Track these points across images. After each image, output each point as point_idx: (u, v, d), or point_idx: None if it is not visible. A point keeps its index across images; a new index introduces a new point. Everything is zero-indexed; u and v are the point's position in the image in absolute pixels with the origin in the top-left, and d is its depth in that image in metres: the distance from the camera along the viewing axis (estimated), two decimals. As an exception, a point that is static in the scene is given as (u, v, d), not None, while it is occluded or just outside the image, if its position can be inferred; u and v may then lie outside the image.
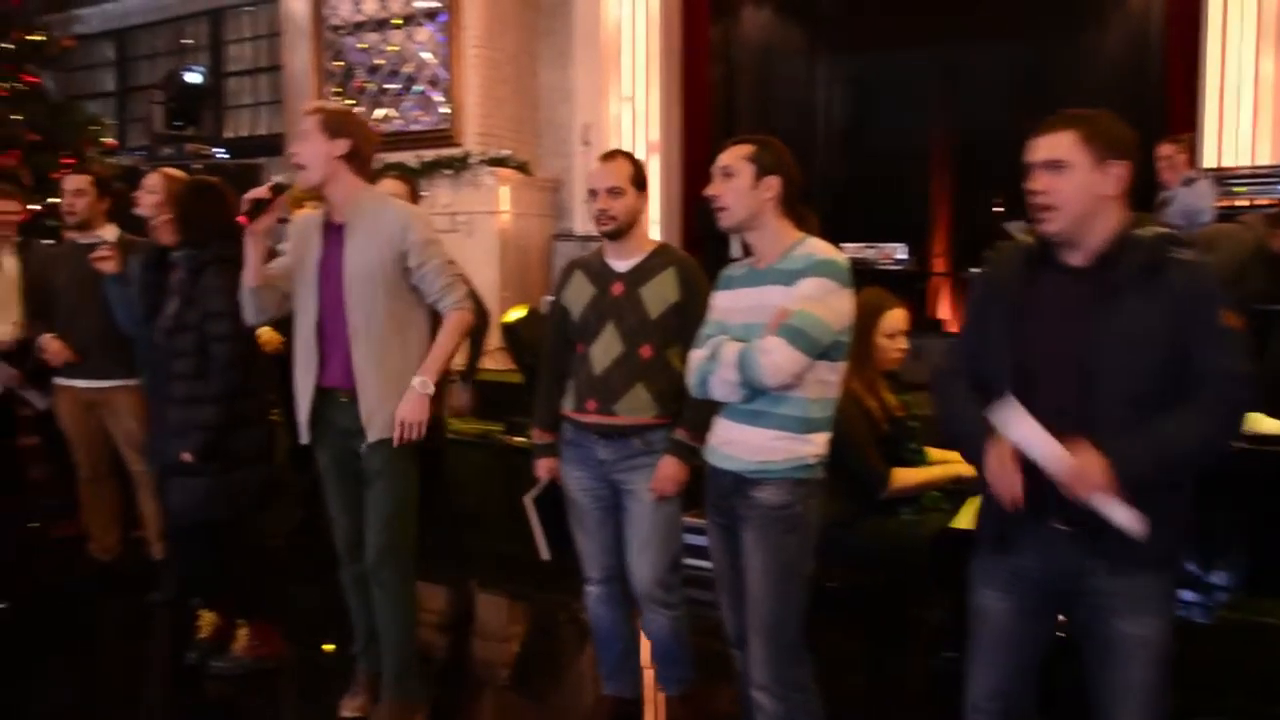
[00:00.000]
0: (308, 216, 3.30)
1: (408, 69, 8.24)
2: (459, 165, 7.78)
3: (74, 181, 4.78)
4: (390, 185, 4.31)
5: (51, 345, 4.71)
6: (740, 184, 2.66)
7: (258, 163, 8.30)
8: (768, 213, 2.69)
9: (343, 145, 3.13)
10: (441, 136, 8.04)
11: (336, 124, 3.14)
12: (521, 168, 8.00)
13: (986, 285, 2.35)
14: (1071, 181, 2.17)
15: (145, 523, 4.93)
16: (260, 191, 3.15)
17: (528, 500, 3.31)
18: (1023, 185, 2.25)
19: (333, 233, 3.20)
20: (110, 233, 4.80)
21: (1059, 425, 2.11)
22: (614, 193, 3.11)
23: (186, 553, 4.06)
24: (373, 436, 3.18)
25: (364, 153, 3.21)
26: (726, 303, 2.75)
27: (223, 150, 8.58)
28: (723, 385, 2.62)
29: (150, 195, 4.41)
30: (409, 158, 7.90)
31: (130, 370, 4.65)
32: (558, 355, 3.30)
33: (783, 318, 2.54)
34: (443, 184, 7.86)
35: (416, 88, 8.21)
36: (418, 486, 3.28)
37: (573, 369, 3.23)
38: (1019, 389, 2.18)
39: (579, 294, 3.22)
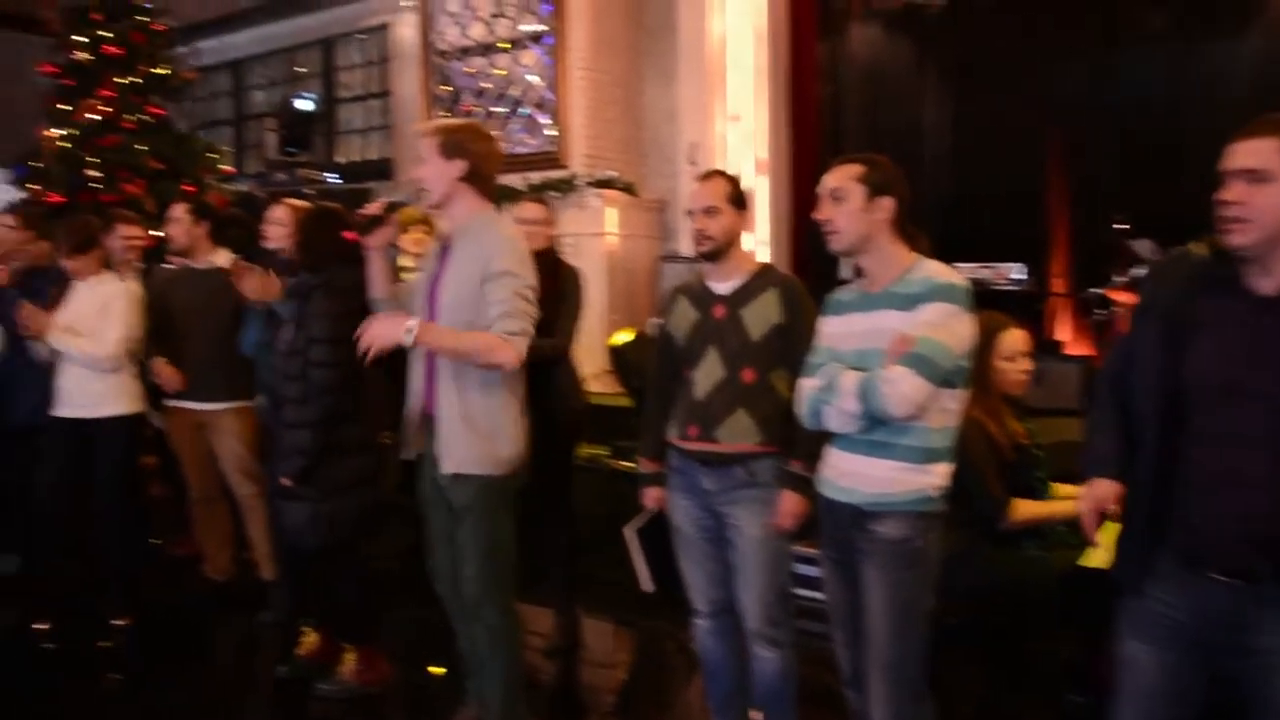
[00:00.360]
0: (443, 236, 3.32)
1: (514, 92, 8.30)
2: (565, 188, 7.81)
3: (171, 211, 4.93)
4: (530, 210, 4.31)
5: (163, 370, 4.79)
6: (851, 206, 2.61)
7: (368, 187, 8.45)
8: (881, 235, 2.62)
9: (460, 166, 3.12)
10: (548, 159, 8.07)
11: (454, 144, 3.14)
12: (628, 189, 7.99)
13: (1147, 296, 2.20)
14: (1272, 194, 1.98)
15: (254, 545, 5.01)
16: (373, 208, 3.18)
17: (629, 531, 3.26)
18: (1155, 197, 2.11)
19: (446, 253, 3.20)
20: (222, 258, 4.89)
21: (1230, 452, 1.96)
22: (710, 212, 3.08)
23: (295, 575, 4.09)
24: (447, 469, 3.15)
25: (484, 171, 3.18)
26: (837, 328, 2.68)
27: (334, 175, 8.77)
28: (840, 416, 2.55)
29: (278, 228, 4.49)
30: (516, 180, 7.94)
31: (239, 392, 4.72)
32: (663, 381, 3.25)
33: (905, 345, 2.46)
34: (551, 206, 7.86)
35: (523, 110, 8.26)
36: (511, 522, 3.23)
37: (677, 395, 3.18)
38: (1169, 414, 2.04)
39: (682, 318, 3.18)
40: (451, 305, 3.11)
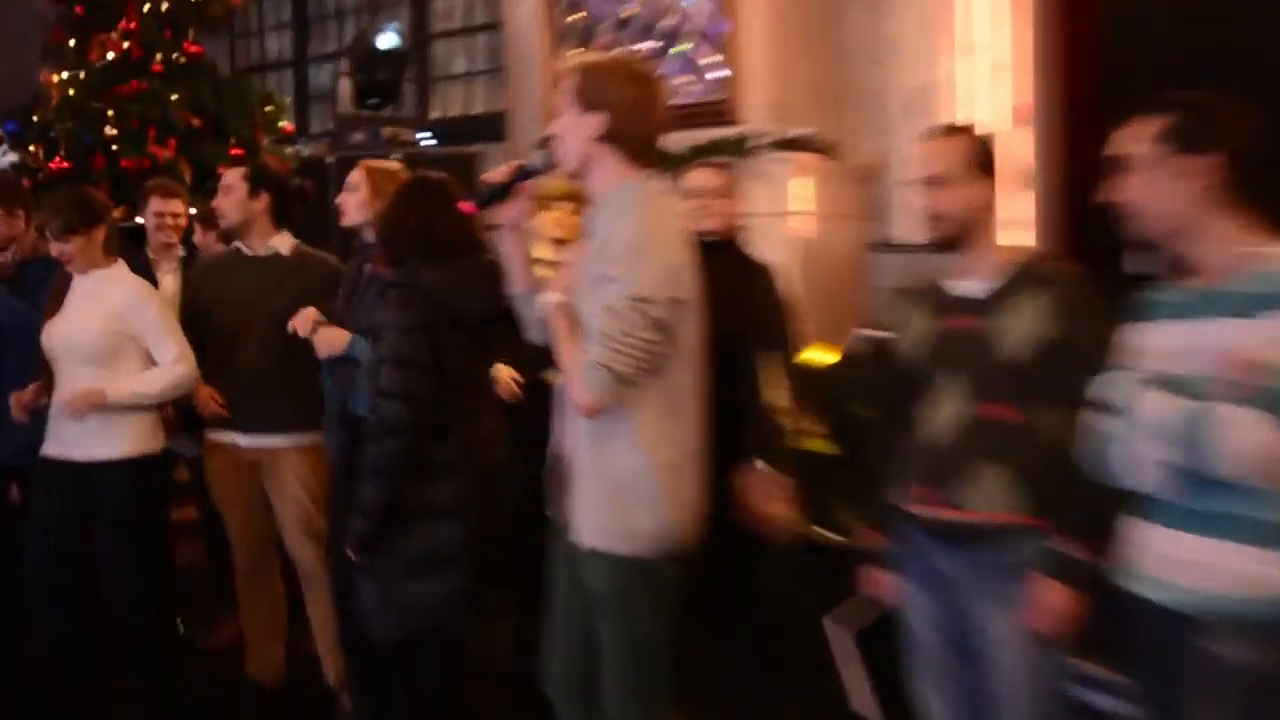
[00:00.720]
0: None
1: (668, 21, 8.38)
2: (738, 149, 7.79)
3: (224, 177, 5.07)
4: (702, 178, 4.37)
5: (201, 391, 4.88)
6: (1157, 176, 2.52)
7: (472, 150, 8.60)
8: (1205, 211, 2.58)
9: (599, 121, 3.15)
10: (714, 111, 8.11)
11: (593, 89, 3.16)
12: (825, 151, 7.97)
13: None
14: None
15: (316, 633, 5.05)
16: (499, 173, 3.22)
17: (840, 628, 3.21)
18: None
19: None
20: (284, 242, 5.02)
21: None
22: (943, 183, 3.11)
23: (364, 681, 4.13)
24: (582, 540, 3.19)
25: (633, 127, 3.18)
26: (1158, 341, 2.64)
27: (428, 134, 8.94)
28: (1148, 468, 2.48)
29: (353, 194, 4.61)
30: (670, 139, 7.93)
31: (306, 422, 4.82)
32: (888, 421, 3.22)
33: (1252, 373, 2.36)
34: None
35: (680, 46, 8.32)
36: (663, 620, 3.21)
37: (903, 439, 3.16)
38: None
39: (909, 332, 3.19)
40: (580, 305, 3.18)
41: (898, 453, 3.20)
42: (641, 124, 3.18)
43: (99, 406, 4.63)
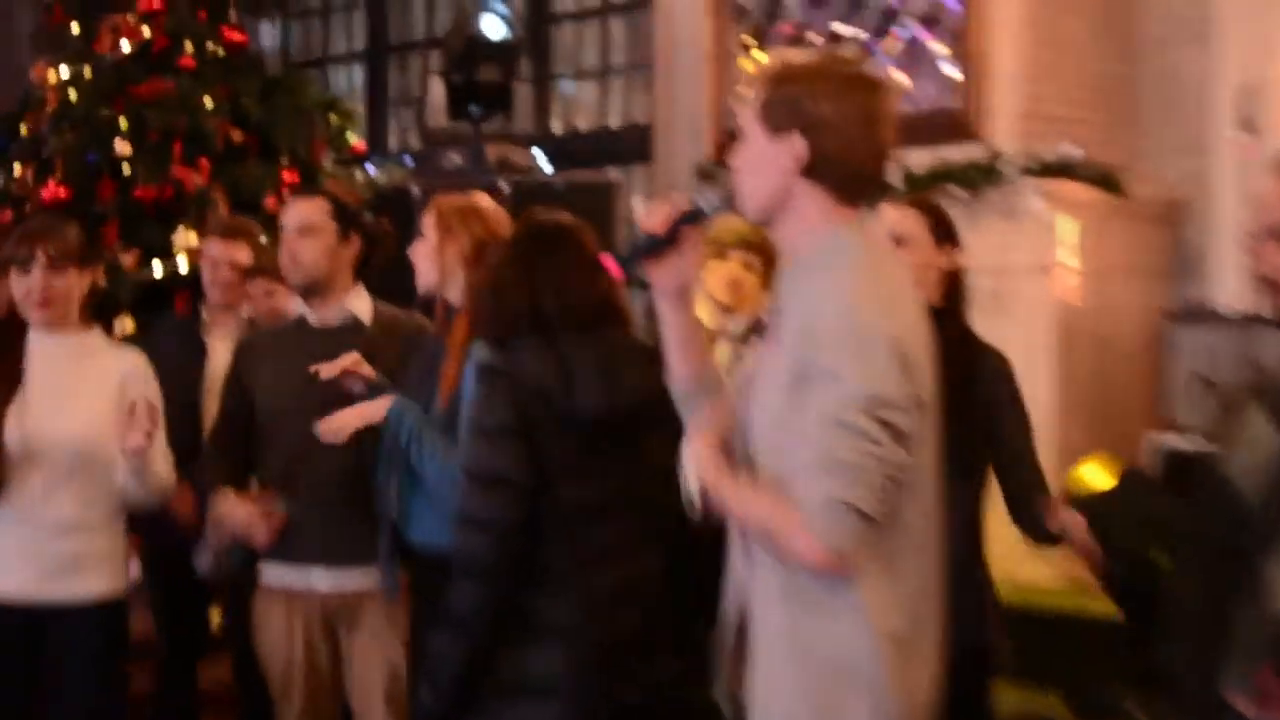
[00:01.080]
0: None
1: (885, 2, 8.41)
2: (983, 179, 7.81)
3: (301, 211, 5.04)
4: (896, 219, 4.40)
5: (235, 511, 4.92)
6: None
7: (605, 179, 8.66)
8: None
9: (795, 148, 3.12)
10: (948, 123, 8.14)
11: (792, 103, 3.13)
12: (1104, 182, 7.93)
13: None
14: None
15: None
16: (657, 217, 3.19)
17: None
18: None
19: (774, 313, 3.29)
20: (361, 303, 5.05)
21: None
22: None
23: None
24: None
25: (846, 157, 3.11)
26: None
27: (545, 155, 8.96)
28: None
29: (422, 245, 4.64)
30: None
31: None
32: (1211, 577, 3.15)
33: None
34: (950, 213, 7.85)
35: (899, 31, 8.36)
36: None
37: (1238, 606, 3.07)
38: None
39: (1245, 448, 3.10)
40: (762, 419, 3.16)
41: (1227, 625, 3.10)
42: (856, 151, 3.12)
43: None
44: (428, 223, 4.65)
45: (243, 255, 5.94)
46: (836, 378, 2.93)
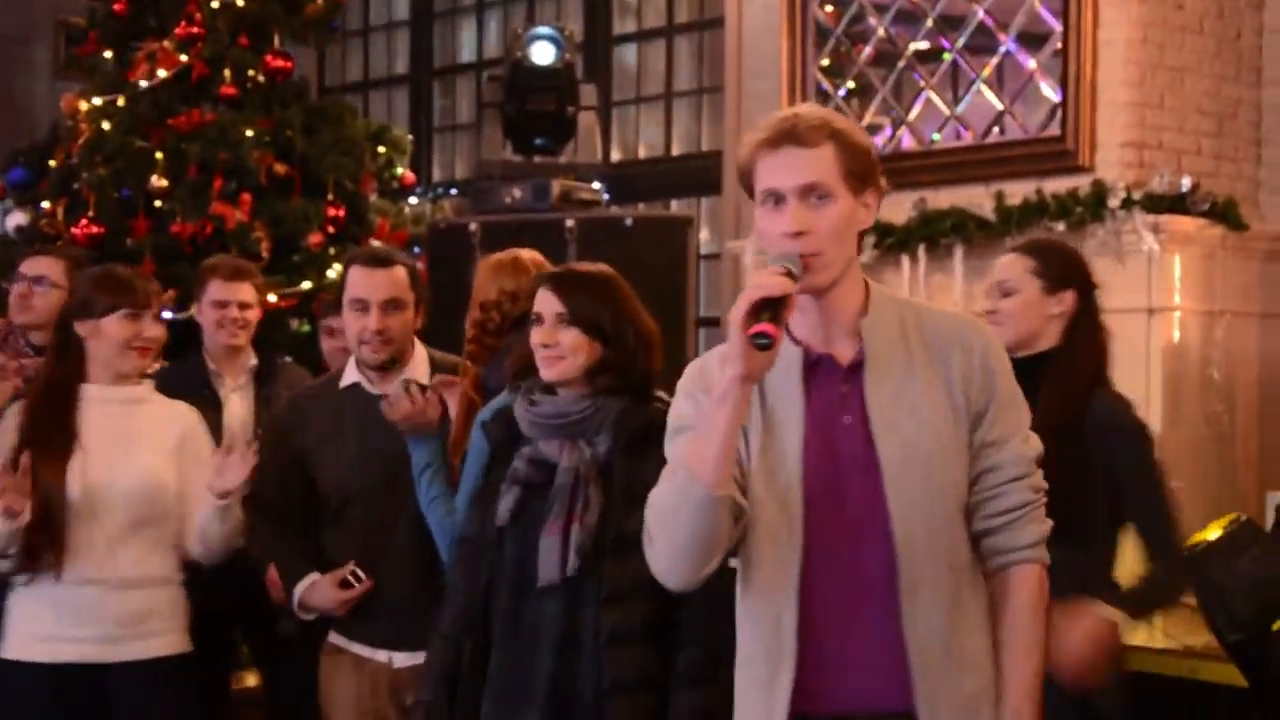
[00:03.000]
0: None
1: (972, 11, 8.30)
2: (1086, 212, 7.69)
3: (388, 284, 4.92)
4: (1002, 266, 4.51)
5: (327, 596, 4.92)
6: None
7: (678, 216, 8.70)
8: None
9: (869, 203, 3.30)
10: (1047, 152, 8.06)
11: (855, 156, 3.25)
12: (1221, 216, 7.81)
13: None
14: None
15: None
16: (772, 283, 3.01)
17: None
18: None
19: (825, 373, 3.29)
20: (421, 364, 4.96)
21: None
22: None
23: None
24: None
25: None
26: None
27: (604, 186, 8.72)
28: None
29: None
30: (978, 195, 7.96)
31: None
32: None
33: None
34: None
35: (1001, 48, 8.24)
36: None
37: None
38: None
39: None
40: (912, 479, 3.21)
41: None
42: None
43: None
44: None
45: (249, 296, 5.92)
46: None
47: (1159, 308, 7.59)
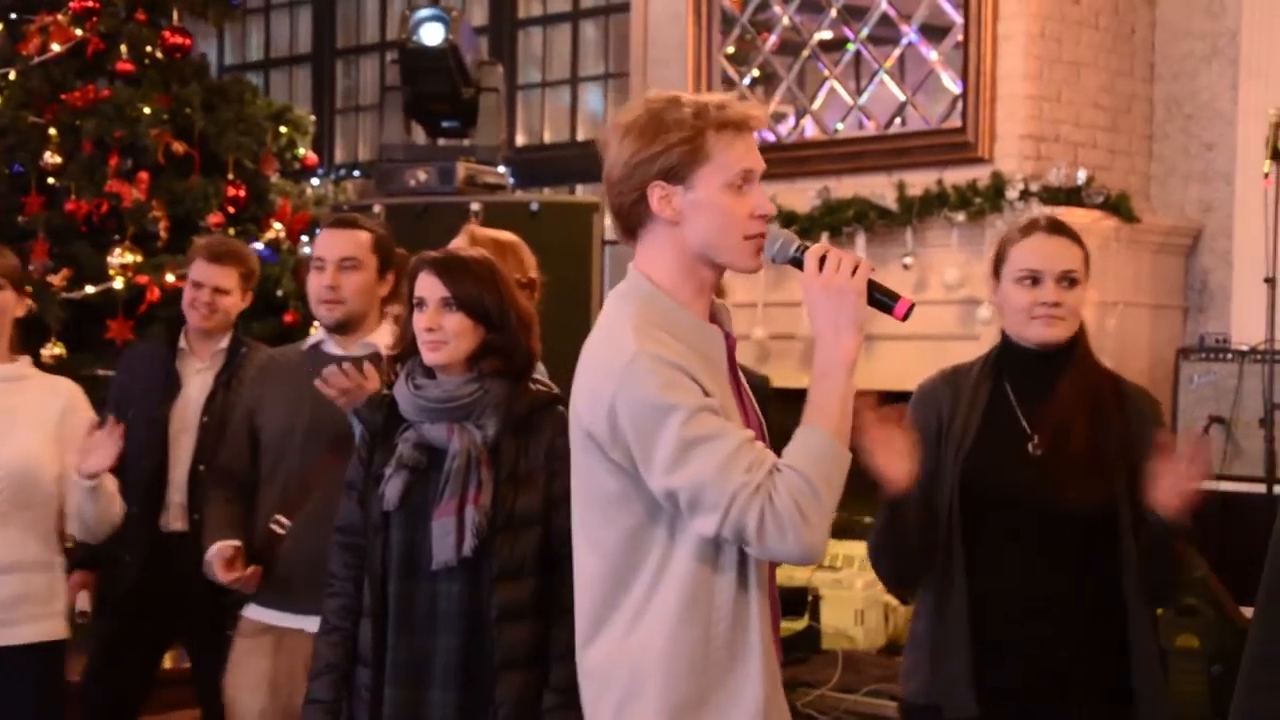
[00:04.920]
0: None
1: (881, 8, 8.35)
2: (986, 204, 7.76)
3: (343, 243, 4.97)
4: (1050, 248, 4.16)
5: (221, 553, 4.84)
6: None
7: (585, 201, 8.56)
8: None
9: None
10: (946, 144, 8.15)
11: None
12: (1114, 208, 7.91)
13: None
14: None
15: None
16: (864, 264, 3.19)
17: None
18: None
19: (730, 358, 3.39)
20: (384, 334, 4.94)
21: None
22: None
23: None
24: None
25: None
26: None
27: (510, 173, 8.74)
28: None
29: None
30: (880, 184, 8.00)
31: None
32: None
33: None
34: (946, 241, 7.91)
35: (904, 39, 8.30)
36: None
37: None
38: None
39: None
40: None
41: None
42: None
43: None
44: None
45: (229, 282, 5.80)
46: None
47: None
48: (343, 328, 5.01)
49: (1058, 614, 3.99)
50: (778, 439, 3.31)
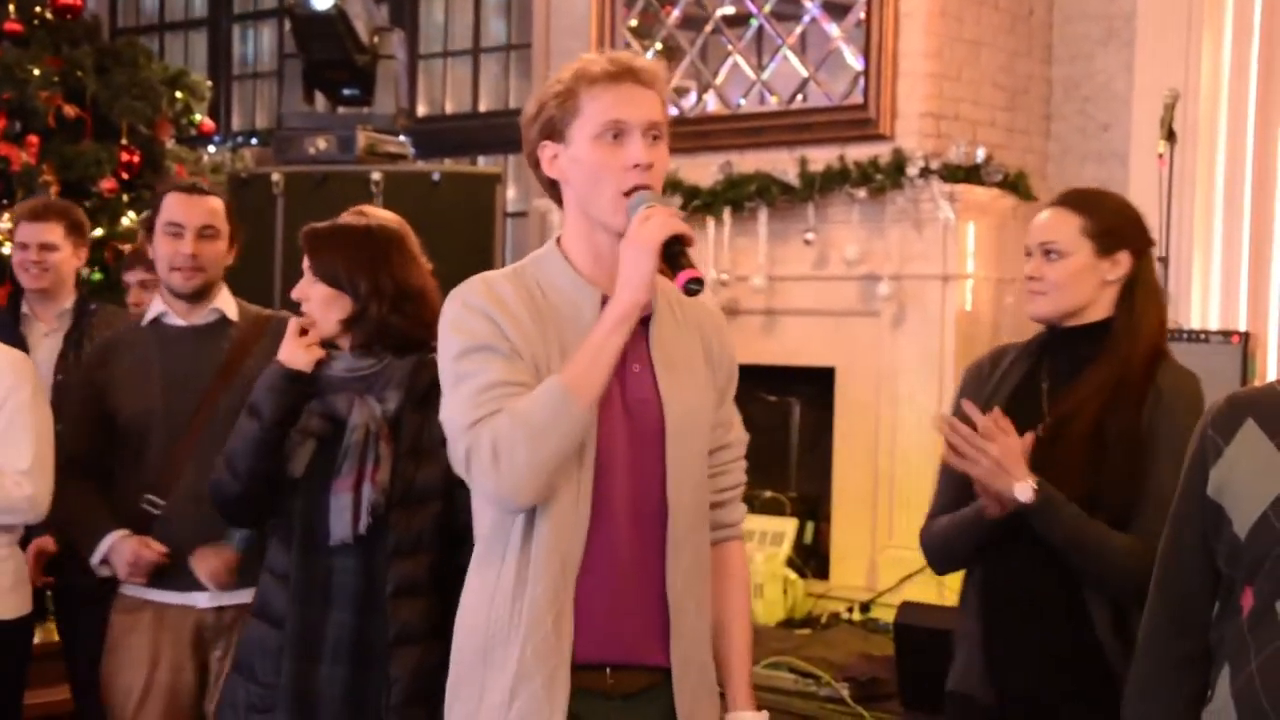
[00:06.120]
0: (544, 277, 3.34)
1: None
2: (888, 181, 7.82)
3: (204, 211, 4.91)
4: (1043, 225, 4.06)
5: (124, 541, 4.77)
6: None
7: (487, 171, 8.52)
8: None
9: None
10: (848, 120, 8.17)
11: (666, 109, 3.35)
12: (1012, 187, 7.98)
13: None
14: None
15: None
16: (681, 223, 3.16)
17: None
18: None
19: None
20: (228, 301, 4.95)
21: None
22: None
23: None
24: None
25: None
26: None
27: (411, 143, 8.72)
28: None
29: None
30: (782, 160, 8.05)
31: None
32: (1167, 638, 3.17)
33: None
34: (847, 217, 7.94)
35: (807, 15, 8.32)
36: None
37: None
38: None
39: (1248, 486, 2.96)
40: (686, 433, 3.34)
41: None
42: None
43: None
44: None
45: (55, 237, 5.75)
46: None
47: (953, 275, 7.71)
48: (197, 296, 4.93)
49: (1052, 609, 3.87)
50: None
